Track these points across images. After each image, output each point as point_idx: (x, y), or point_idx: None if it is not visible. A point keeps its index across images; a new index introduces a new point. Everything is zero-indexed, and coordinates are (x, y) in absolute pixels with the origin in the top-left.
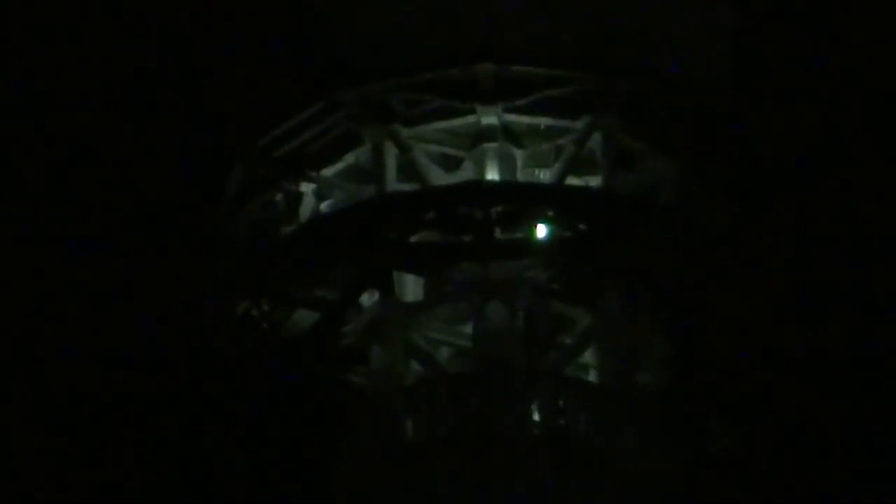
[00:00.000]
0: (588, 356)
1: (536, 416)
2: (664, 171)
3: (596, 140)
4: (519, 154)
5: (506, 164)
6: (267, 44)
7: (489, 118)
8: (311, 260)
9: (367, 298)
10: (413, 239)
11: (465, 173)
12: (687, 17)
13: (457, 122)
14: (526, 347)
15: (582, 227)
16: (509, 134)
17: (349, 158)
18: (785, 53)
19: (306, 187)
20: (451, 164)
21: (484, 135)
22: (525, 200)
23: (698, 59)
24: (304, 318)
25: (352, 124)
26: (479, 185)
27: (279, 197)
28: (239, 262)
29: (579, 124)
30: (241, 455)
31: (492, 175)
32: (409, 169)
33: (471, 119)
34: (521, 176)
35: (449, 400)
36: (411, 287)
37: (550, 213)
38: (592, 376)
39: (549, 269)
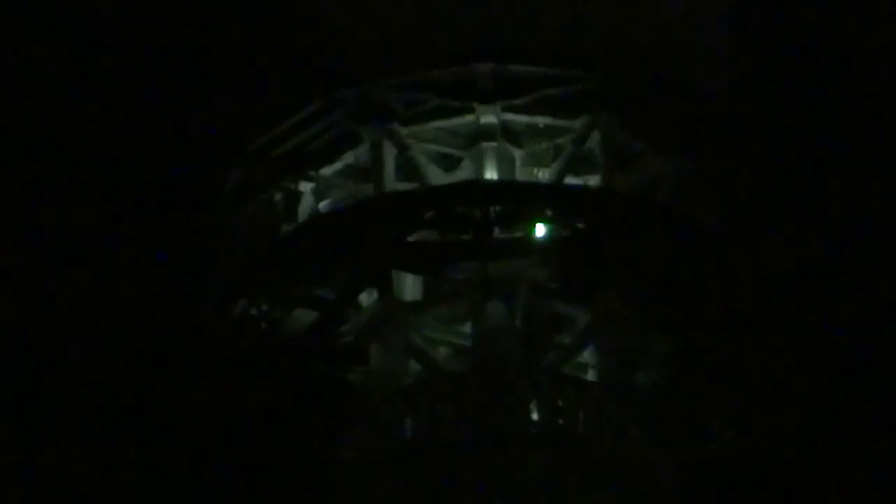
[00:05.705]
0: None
1: (536, 416)
2: (663, 170)
3: (594, 139)
4: (518, 153)
5: (504, 163)
6: (267, 43)
7: (488, 117)
8: (309, 259)
9: (366, 298)
10: (412, 238)
11: (464, 172)
12: (687, 17)
13: (455, 122)
14: (525, 347)
15: (580, 226)
16: (508, 133)
17: (348, 157)
18: (785, 53)
19: (305, 186)
20: (449, 163)
21: (483, 134)
22: (524, 200)
23: (698, 59)
24: (303, 317)
25: (351, 123)
26: (478, 184)
27: (278, 196)
28: (238, 262)
29: (578, 123)
30: (240, 454)
31: (490, 174)
32: (407, 168)
33: (469, 118)
34: (519, 175)
35: (448, 400)
36: (410, 286)
37: (549, 213)
38: (591, 376)
39: (548, 268)
